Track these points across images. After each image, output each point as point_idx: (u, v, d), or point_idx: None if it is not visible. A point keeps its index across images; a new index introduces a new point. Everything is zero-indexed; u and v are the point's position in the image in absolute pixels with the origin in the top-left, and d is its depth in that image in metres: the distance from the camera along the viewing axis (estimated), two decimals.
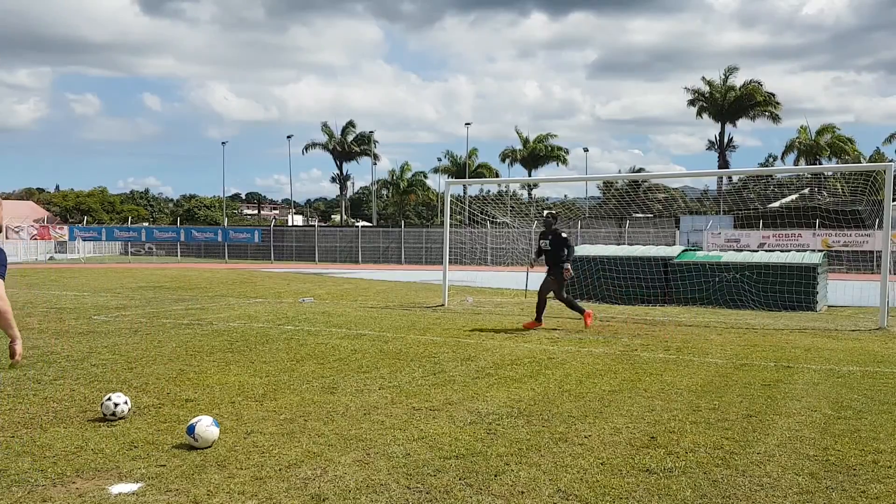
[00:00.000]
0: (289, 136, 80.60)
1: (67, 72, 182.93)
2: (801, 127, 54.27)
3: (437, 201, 64.85)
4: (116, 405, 5.80)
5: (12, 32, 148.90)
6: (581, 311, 12.15)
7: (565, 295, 12.39)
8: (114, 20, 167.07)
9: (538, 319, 12.09)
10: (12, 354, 4.36)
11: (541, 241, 12.40)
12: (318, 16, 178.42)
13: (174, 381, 7.40)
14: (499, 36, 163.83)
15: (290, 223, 72.26)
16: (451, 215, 17.71)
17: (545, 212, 12.37)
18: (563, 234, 12.17)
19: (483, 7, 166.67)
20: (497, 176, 60.87)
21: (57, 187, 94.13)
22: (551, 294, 12.23)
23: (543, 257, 12.38)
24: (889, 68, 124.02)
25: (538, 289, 12.34)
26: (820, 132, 52.72)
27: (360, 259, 46.17)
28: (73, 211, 65.76)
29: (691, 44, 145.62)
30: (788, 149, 54.17)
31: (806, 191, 47.08)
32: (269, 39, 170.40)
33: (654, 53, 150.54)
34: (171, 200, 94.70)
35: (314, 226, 54.36)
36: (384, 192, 72.97)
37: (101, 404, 5.85)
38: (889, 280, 13.29)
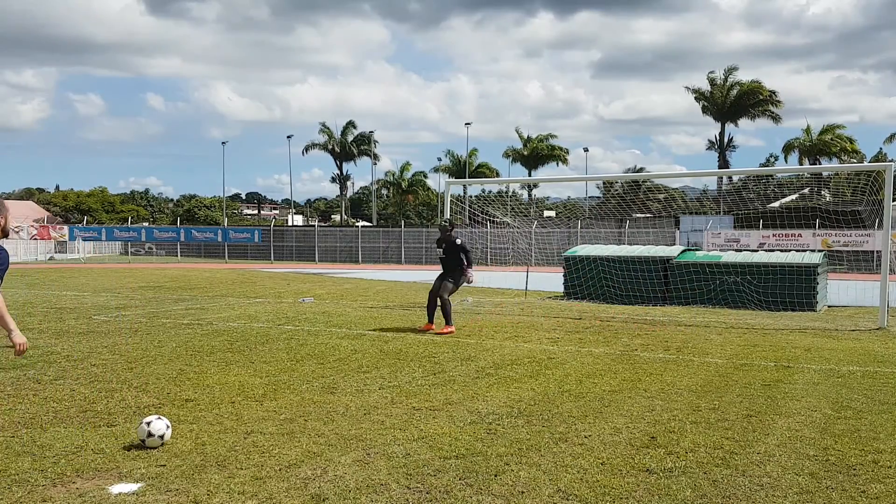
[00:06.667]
0: (289, 137, 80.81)
1: (73, 72, 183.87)
2: (806, 129, 54.25)
3: (438, 201, 64.82)
4: (153, 434, 5.02)
5: (19, 33, 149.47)
6: (448, 321, 11.60)
7: (448, 297, 11.93)
8: (119, 20, 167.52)
9: (431, 321, 11.81)
10: (14, 346, 4.63)
11: (437, 249, 12.28)
12: (324, 16, 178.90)
13: (174, 381, 7.39)
14: (504, 35, 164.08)
15: (290, 223, 72.21)
16: (451, 215, 17.70)
17: (442, 219, 12.36)
18: (458, 242, 12.08)
19: (490, 6, 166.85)
20: (497, 176, 60.89)
21: (57, 187, 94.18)
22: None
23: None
24: (895, 68, 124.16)
25: (431, 291, 12.08)
26: (822, 133, 52.68)
27: (360, 259, 46.15)
28: (73, 211, 65.79)
29: (697, 44, 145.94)
30: (789, 149, 54.17)
31: (806, 191, 47.09)
32: (275, 40, 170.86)
33: (659, 53, 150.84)
34: (171, 200, 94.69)
35: (314, 226, 54.32)
36: (384, 192, 72.96)
37: (139, 427, 5.12)
38: (889, 280, 13.30)
